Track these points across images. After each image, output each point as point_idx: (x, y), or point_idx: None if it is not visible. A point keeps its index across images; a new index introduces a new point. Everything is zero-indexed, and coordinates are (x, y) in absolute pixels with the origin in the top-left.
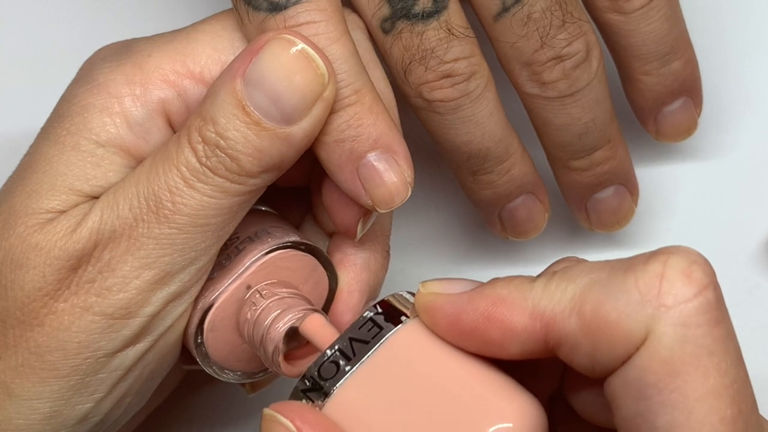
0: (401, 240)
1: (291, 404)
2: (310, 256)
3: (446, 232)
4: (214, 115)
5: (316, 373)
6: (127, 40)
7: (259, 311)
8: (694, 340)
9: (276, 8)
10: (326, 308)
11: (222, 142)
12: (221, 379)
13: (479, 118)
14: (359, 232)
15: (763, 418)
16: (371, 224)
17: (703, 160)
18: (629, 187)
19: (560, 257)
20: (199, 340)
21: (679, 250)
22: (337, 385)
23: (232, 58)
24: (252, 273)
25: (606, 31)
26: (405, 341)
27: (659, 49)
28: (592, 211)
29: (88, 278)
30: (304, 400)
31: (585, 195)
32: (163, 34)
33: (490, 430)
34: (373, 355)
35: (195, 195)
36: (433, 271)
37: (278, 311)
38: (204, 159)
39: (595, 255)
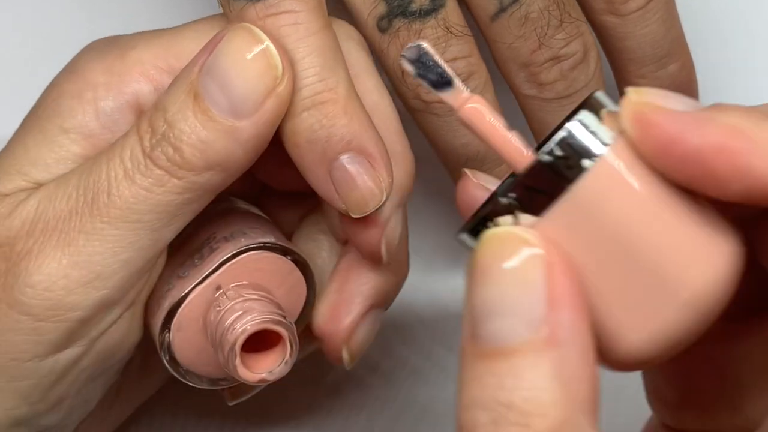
0: None
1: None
2: (285, 259)
3: (442, 236)
4: (166, 103)
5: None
6: (115, 36)
7: (222, 312)
8: None
9: None
10: (304, 313)
11: (168, 131)
12: (185, 382)
13: None
14: (384, 254)
15: None
16: (397, 244)
17: None
18: None
19: None
20: (163, 339)
21: None
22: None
23: None
24: (221, 273)
25: (602, 34)
26: (605, 180)
27: (655, 52)
28: None
29: (15, 271)
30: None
31: None
32: (154, 30)
33: (697, 277)
34: (565, 198)
35: (132, 187)
36: (431, 276)
37: (239, 313)
38: (148, 149)
39: None
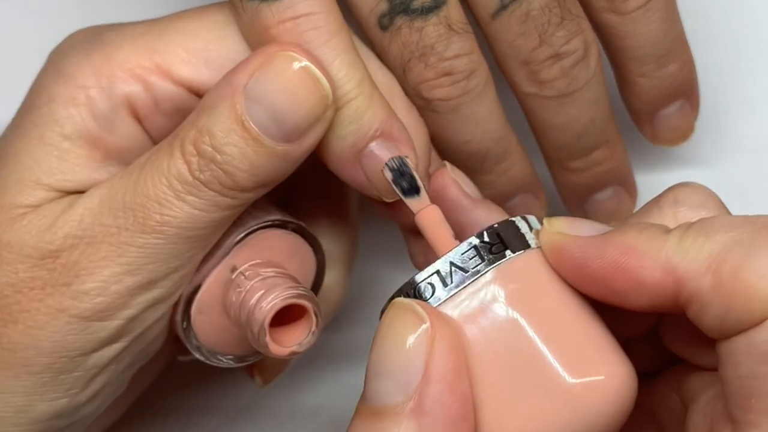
0: (390, 246)
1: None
2: (293, 234)
3: None
4: (211, 128)
5: (418, 287)
6: (98, 27)
7: (243, 293)
8: None
9: None
10: (316, 285)
11: (218, 156)
12: (212, 364)
13: (479, 117)
14: None
15: None
16: None
17: (699, 163)
18: (627, 188)
19: None
20: (185, 325)
21: None
22: (437, 304)
23: (202, 61)
24: (234, 255)
25: (602, 32)
26: (521, 270)
27: (656, 51)
28: (591, 213)
29: (63, 281)
30: None
31: (583, 196)
32: (137, 24)
33: (582, 380)
34: (482, 278)
35: (185, 207)
36: None
37: (262, 291)
38: (197, 172)
39: None
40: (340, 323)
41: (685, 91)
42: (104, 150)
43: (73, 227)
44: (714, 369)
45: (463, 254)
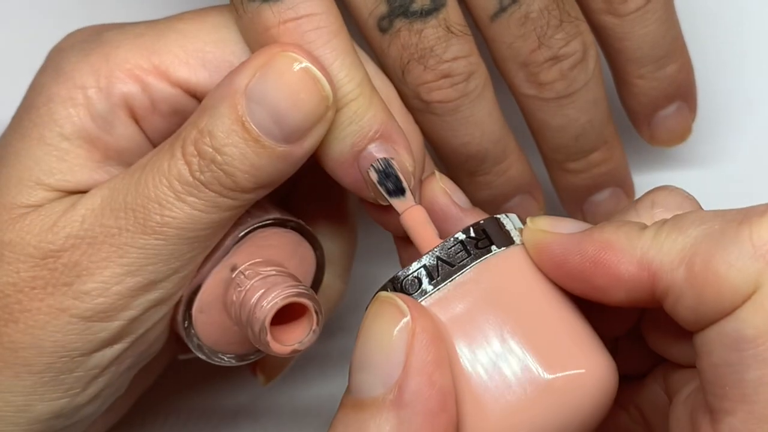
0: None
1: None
2: (292, 232)
3: None
4: (212, 128)
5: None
6: (97, 27)
7: (244, 292)
8: None
9: None
10: (316, 283)
11: (218, 157)
12: (214, 363)
13: (478, 119)
14: None
15: None
16: None
17: (697, 165)
18: (626, 189)
19: None
20: (186, 324)
21: None
22: (423, 298)
23: (199, 63)
24: (234, 254)
25: (601, 34)
26: (505, 265)
27: (654, 52)
28: (589, 214)
29: (64, 281)
30: None
31: (581, 197)
32: (136, 24)
33: (563, 374)
34: (467, 272)
35: (185, 208)
36: None
37: (262, 290)
38: (198, 173)
39: None
40: (341, 323)
41: (683, 93)
42: (103, 150)
43: (75, 227)
44: (694, 365)
45: (449, 249)
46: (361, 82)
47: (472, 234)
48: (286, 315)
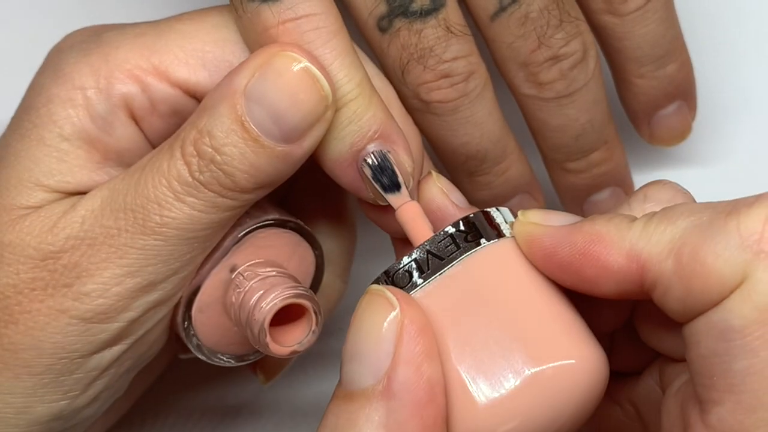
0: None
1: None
2: (291, 232)
3: None
4: (211, 128)
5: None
6: (96, 27)
7: (243, 293)
8: None
9: None
10: (315, 283)
11: (218, 157)
12: (213, 363)
13: (478, 119)
14: None
15: None
16: None
17: (697, 164)
18: (625, 189)
19: None
20: (186, 325)
21: None
22: (413, 291)
23: (199, 63)
24: (233, 254)
25: (600, 34)
26: (494, 258)
27: (654, 52)
28: (589, 213)
29: (64, 282)
30: None
31: (581, 197)
32: (136, 24)
33: (553, 364)
34: (457, 265)
35: (184, 209)
36: None
37: (261, 291)
38: (197, 173)
39: None
40: (341, 323)
41: (683, 92)
42: (102, 151)
43: (75, 229)
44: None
45: (439, 243)
46: (361, 82)
47: (462, 227)
48: (286, 316)
